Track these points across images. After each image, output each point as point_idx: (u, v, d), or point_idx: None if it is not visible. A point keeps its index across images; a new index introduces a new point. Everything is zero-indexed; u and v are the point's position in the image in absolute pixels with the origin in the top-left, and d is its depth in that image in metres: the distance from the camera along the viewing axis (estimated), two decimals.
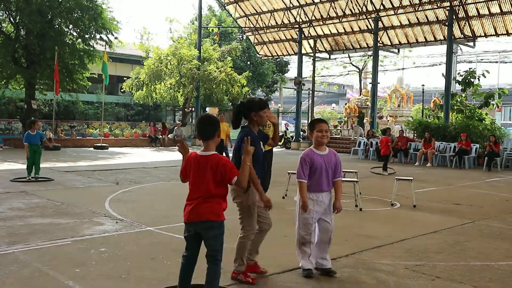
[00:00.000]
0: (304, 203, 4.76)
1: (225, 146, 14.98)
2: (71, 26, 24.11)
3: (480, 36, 24.06)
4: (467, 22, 23.67)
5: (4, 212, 7.46)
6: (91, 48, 24.45)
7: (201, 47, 30.82)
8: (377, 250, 5.97)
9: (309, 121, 5.01)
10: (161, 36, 72.38)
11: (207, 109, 36.10)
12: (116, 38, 25.22)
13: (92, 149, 23.32)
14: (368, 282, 4.65)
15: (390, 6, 25.72)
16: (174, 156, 20.25)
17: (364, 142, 22.65)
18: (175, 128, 29.20)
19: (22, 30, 23.42)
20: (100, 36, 24.45)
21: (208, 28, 36.42)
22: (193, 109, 33.50)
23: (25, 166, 11.58)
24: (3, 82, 24.05)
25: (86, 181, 11.54)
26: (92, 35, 24.22)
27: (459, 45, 26.09)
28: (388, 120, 29.06)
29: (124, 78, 33.26)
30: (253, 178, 4.33)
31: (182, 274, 3.87)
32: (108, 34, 24.63)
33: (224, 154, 14.36)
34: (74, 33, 24.44)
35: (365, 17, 26.92)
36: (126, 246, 5.74)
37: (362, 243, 6.20)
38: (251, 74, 34.20)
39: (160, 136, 27.98)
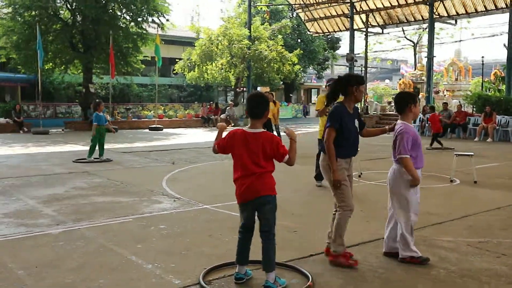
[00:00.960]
0: (418, 178, 4.39)
1: (274, 125, 14.97)
2: (124, 10, 24.64)
3: None
4: None
5: (69, 191, 7.79)
6: (144, 31, 24.90)
7: (251, 26, 30.72)
8: (438, 226, 5.82)
9: (406, 93, 4.75)
10: (211, 17, 72.53)
11: (259, 88, 36.10)
12: (167, 20, 25.55)
13: (147, 130, 23.91)
14: (430, 259, 4.54)
15: None
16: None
17: (420, 118, 22.01)
18: (227, 108, 29.42)
19: (78, 16, 24.13)
20: (152, 19, 24.84)
21: (258, 6, 36.20)
22: (244, 88, 33.60)
23: (86, 148, 11.99)
24: (62, 67, 24.96)
25: (143, 162, 11.86)
26: (145, 18, 24.63)
27: None
28: (445, 95, 28.10)
29: (176, 60, 33.75)
30: (330, 155, 4.36)
31: (240, 249, 3.93)
32: (160, 16, 24.98)
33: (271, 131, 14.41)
34: (127, 17, 24.94)
35: None
36: (184, 223, 5.87)
37: (422, 219, 6.01)
38: (302, 51, 33.86)
39: (213, 117, 28.27)
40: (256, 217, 3.89)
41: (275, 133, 14.81)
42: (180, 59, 32.96)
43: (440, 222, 6.02)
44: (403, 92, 4.79)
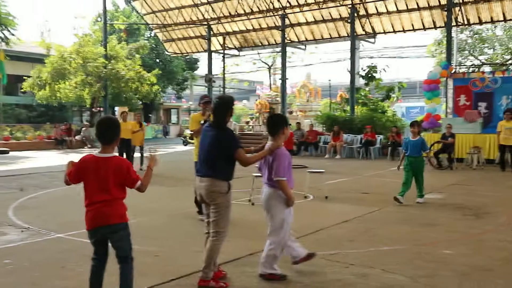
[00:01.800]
0: (293, 198, 4.57)
1: (139, 147, 14.64)
2: None
3: (380, 32, 25.39)
4: (367, 19, 24.86)
5: None
6: None
7: (107, 44, 29.78)
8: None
9: (279, 115, 5.06)
10: (64, 33, 69.02)
11: (116, 108, 35.02)
12: (13, 34, 23.73)
13: None
14: (286, 273, 4.73)
15: (296, 4, 26.41)
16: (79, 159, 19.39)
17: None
18: (83, 129, 28.02)
19: None
20: None
21: (114, 25, 35.29)
22: (101, 109, 32.32)
23: None
24: None
25: None
26: None
27: (361, 41, 27.31)
28: (298, 115, 29.84)
29: (25, 78, 31.31)
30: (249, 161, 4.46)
31: (93, 278, 3.77)
32: (4, 30, 23.10)
33: (131, 154, 14.04)
34: None
35: (272, 14, 27.44)
36: (33, 255, 5.41)
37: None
38: (160, 71, 33.63)
39: (67, 138, 26.69)
40: (108, 245, 3.76)
41: (137, 154, 14.46)
42: (29, 76, 30.68)
43: (296, 237, 6.31)
44: (275, 115, 4.94)
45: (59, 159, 19.59)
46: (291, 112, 29.54)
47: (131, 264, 3.75)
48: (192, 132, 7.58)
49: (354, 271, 4.87)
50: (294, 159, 16.04)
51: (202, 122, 6.92)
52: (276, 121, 4.69)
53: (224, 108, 4.52)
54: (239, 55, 35.06)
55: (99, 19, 35.44)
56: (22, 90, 32.27)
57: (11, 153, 21.96)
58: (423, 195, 8.93)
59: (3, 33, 23.20)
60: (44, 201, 9.34)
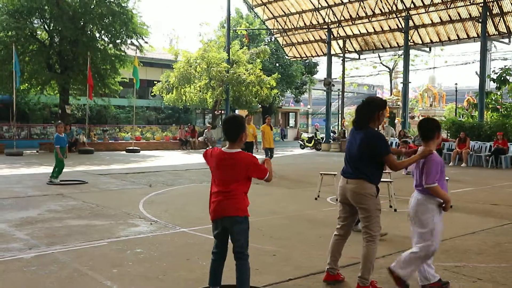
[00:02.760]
0: (449, 200, 4.36)
1: (269, 149, 14.96)
2: (102, 32, 24.61)
3: None
4: (501, 18, 23.10)
5: (43, 214, 7.62)
6: (122, 53, 24.90)
7: (230, 49, 30.94)
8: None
9: (433, 120, 4.56)
10: (190, 39, 73.00)
11: (236, 111, 36.24)
12: (146, 42, 25.61)
13: (124, 152, 23.69)
14: (408, 283, 4.55)
15: (421, 4, 25.35)
16: (203, 158, 20.34)
17: (396, 142, 22.32)
18: (205, 130, 29.39)
19: (56, 37, 24.04)
20: (131, 41, 24.88)
21: (237, 30, 36.57)
22: (222, 111, 33.67)
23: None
24: (38, 88, 24.70)
25: (119, 184, 11.71)
26: (123, 40, 24.65)
27: (493, 42, 25.44)
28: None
29: (155, 82, 33.73)
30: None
31: (213, 270, 3.92)
32: (139, 38, 25.04)
33: None
34: (106, 39, 24.93)
35: (395, 16, 26.59)
36: (161, 247, 5.78)
37: (399, 244, 6.09)
38: (280, 75, 34.19)
39: (191, 139, 28.17)
40: (228, 239, 3.89)
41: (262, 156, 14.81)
42: (158, 81, 32.94)
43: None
44: (429, 119, 4.65)
45: (183, 158, 20.77)
46: (413, 117, 28.46)
47: (247, 261, 3.81)
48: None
49: (482, 286, 4.54)
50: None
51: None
52: (430, 126, 4.44)
53: (365, 109, 4.44)
54: (359, 59, 34.49)
55: (224, 25, 36.97)
56: (152, 94, 34.78)
57: (141, 152, 23.70)
58: None
59: (137, 41, 25.11)
60: (171, 197, 9.93)
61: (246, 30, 36.90)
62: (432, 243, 4.28)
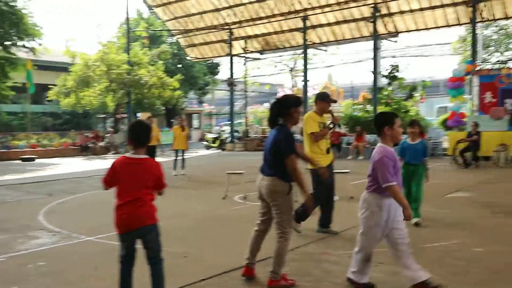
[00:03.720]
0: (408, 207, 4.05)
1: (182, 150, 14.80)
2: None
3: (402, 31, 25.15)
4: (390, 18, 24.65)
5: None
6: (13, 56, 23.36)
7: (130, 51, 30.16)
8: (321, 242, 6.10)
9: (380, 115, 4.40)
10: (88, 41, 70.20)
11: (139, 114, 35.43)
12: (40, 44, 24.23)
13: (19, 161, 22.22)
14: (316, 273, 4.74)
15: (317, 5, 26.34)
16: (107, 164, 19.67)
17: (299, 139, 23.04)
18: (108, 135, 28.44)
19: None
20: (23, 43, 23.41)
21: (136, 31, 35.70)
22: (125, 115, 32.75)
23: None
24: None
25: (16, 195, 10.99)
26: (14, 42, 23.12)
27: (383, 40, 27.10)
28: None
29: (50, 86, 31.97)
30: (300, 177, 4.33)
31: (124, 278, 3.82)
32: (31, 40, 23.62)
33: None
34: None
35: (293, 16, 27.41)
36: (66, 258, 5.52)
37: (306, 236, 6.31)
38: (182, 77, 33.90)
39: (92, 145, 27.10)
40: (137, 246, 3.82)
41: (179, 158, 14.64)
42: (54, 85, 31.29)
43: (322, 238, 6.31)
44: (379, 113, 4.49)
45: (84, 165, 19.93)
46: None
47: (161, 264, 3.82)
48: (311, 134, 6.30)
49: (383, 270, 4.84)
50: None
51: (332, 125, 6.40)
52: (377, 119, 4.35)
53: (276, 107, 4.53)
54: (260, 59, 35.13)
55: (123, 26, 35.96)
56: (48, 99, 32.97)
57: (38, 160, 22.41)
58: (419, 214, 6.92)
59: (30, 43, 23.71)
60: (73, 205, 9.51)
61: (146, 31, 36.15)
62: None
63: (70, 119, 36.39)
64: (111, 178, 3.73)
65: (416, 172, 6.85)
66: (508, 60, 31.55)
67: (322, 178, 5.90)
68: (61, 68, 34.17)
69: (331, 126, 6.42)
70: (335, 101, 6.67)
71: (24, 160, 22.24)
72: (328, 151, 6.42)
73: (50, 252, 5.80)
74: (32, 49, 23.83)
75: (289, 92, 35.10)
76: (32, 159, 22.37)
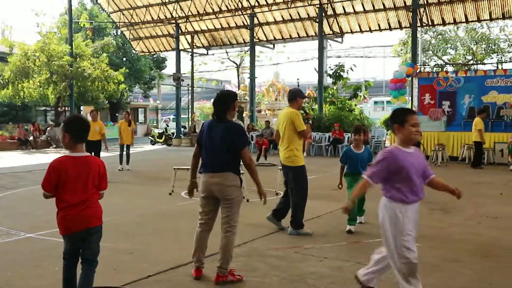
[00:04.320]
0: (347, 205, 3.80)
1: (127, 145, 14.49)
2: None
3: (347, 32, 25.72)
4: (335, 19, 25.16)
5: None
6: None
7: (73, 42, 29.21)
8: (267, 237, 6.18)
9: (395, 111, 3.86)
10: (27, 31, 67.33)
11: (82, 107, 34.42)
12: None
13: None
14: (262, 268, 4.80)
15: (265, 3, 26.50)
16: (49, 158, 19.00)
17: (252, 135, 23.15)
18: (48, 129, 27.46)
19: None
20: None
21: (79, 22, 34.62)
22: (67, 108, 31.70)
23: None
24: None
25: None
26: None
27: (329, 40, 27.63)
28: (266, 114, 29.99)
29: None
30: (255, 172, 4.46)
31: (68, 277, 3.68)
32: None
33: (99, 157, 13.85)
34: None
35: (241, 13, 27.44)
36: (4, 256, 5.32)
37: (252, 232, 6.37)
38: (127, 70, 33.18)
39: (32, 138, 26.09)
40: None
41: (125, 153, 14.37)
42: None
43: (269, 233, 6.39)
44: (395, 109, 4.01)
45: (24, 159, 19.18)
46: (259, 111, 29.69)
47: (95, 267, 3.67)
48: (303, 132, 6.22)
49: (328, 264, 4.97)
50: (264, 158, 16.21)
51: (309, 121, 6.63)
52: (390, 118, 3.91)
53: (223, 102, 4.55)
54: (207, 54, 34.97)
55: (65, 16, 34.75)
56: None
57: None
58: (360, 217, 6.87)
59: None
60: (11, 201, 9.15)
61: (90, 22, 35.13)
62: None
63: (8, 111, 34.78)
64: (53, 182, 3.46)
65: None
66: (445, 65, 33.06)
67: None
68: None
69: (309, 122, 6.55)
70: (306, 97, 6.79)
71: None
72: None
73: None
74: None
75: (235, 89, 35.24)
76: None
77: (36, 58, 27.74)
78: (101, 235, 3.68)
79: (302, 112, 6.64)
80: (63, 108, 31.71)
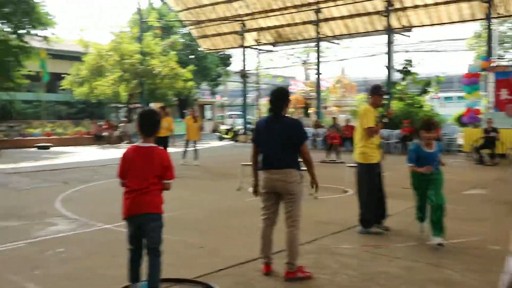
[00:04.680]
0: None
1: (194, 141, 14.89)
2: (3, 22, 23.04)
3: (416, 26, 24.91)
4: (403, 13, 24.43)
5: None
6: (27, 45, 23.49)
7: (142, 41, 30.24)
8: (337, 235, 6.11)
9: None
10: (101, 31, 70.34)
11: (151, 104, 35.51)
12: (53, 34, 24.36)
13: (34, 149, 22.43)
14: (333, 266, 4.77)
15: None
16: (121, 153, 19.80)
17: (312, 132, 23.00)
18: (121, 125, 28.59)
19: None
20: (36, 33, 23.52)
21: (149, 22, 35.74)
22: (138, 105, 32.86)
23: None
24: None
25: (31, 182, 11.11)
26: (27, 31, 23.25)
27: (396, 34, 26.88)
28: (333, 110, 29.67)
29: (63, 75, 32.14)
30: (313, 167, 4.54)
31: (132, 267, 3.86)
32: (44, 29, 23.72)
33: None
34: (7, 29, 23.36)
35: (306, 9, 27.27)
36: (84, 245, 5.60)
37: (322, 229, 6.33)
38: (195, 68, 33.92)
39: (106, 133, 27.27)
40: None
41: (191, 148, 14.76)
42: (68, 74, 31.45)
43: (338, 231, 6.33)
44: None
45: (98, 154, 20.08)
46: (326, 107, 29.41)
47: (160, 257, 3.80)
48: (368, 129, 6.01)
49: (399, 264, 4.85)
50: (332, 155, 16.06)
51: (385, 119, 6.33)
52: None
53: (281, 98, 4.57)
54: (273, 51, 35.04)
55: (134, 16, 36.00)
56: (61, 88, 33.14)
57: (53, 149, 22.60)
58: (441, 232, 5.57)
59: (43, 32, 23.81)
60: (89, 193, 9.60)
61: (158, 21, 36.16)
62: None
63: (84, 108, 36.57)
64: (123, 169, 3.79)
65: (436, 180, 5.67)
66: None
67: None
68: (74, 57, 34.28)
69: (386, 120, 6.37)
70: (388, 93, 6.52)
71: (39, 148, 22.45)
72: (379, 147, 6.28)
73: (69, 239, 5.88)
74: (45, 38, 23.93)
75: (301, 85, 35.09)
76: (47, 147, 22.57)
77: (109, 57, 28.95)
78: (162, 224, 3.81)
79: (381, 109, 6.44)
80: (134, 105, 32.89)
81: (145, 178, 3.70)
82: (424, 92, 23.89)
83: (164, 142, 13.22)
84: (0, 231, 6.24)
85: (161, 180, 3.79)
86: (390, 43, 23.93)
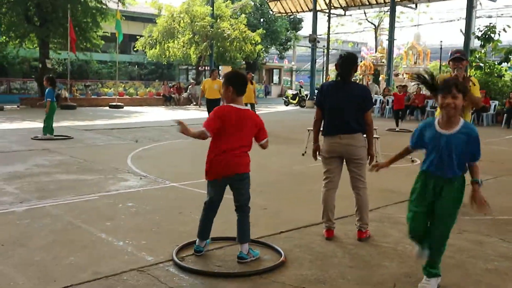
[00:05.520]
0: None
1: (251, 104, 14.96)
2: None
3: None
4: None
5: (30, 169, 7.57)
6: (103, 6, 24.21)
7: (214, 4, 30.33)
8: (401, 204, 5.97)
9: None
10: None
11: (220, 67, 35.85)
12: None
13: (107, 108, 23.42)
14: (395, 235, 4.70)
15: None
16: (190, 114, 20.29)
17: (380, 100, 22.44)
18: (189, 87, 29.14)
19: None
20: None
21: None
22: (207, 67, 33.31)
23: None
24: (17, 41, 24.00)
25: (105, 139, 11.65)
26: None
27: None
28: (404, 78, 28.68)
29: (137, 37, 33.02)
30: (373, 134, 4.64)
31: (206, 224, 4.04)
32: None
33: None
34: None
35: None
36: (152, 201, 5.82)
37: (386, 198, 6.23)
38: (264, 31, 33.73)
39: (175, 95, 27.94)
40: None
41: None
42: (141, 36, 32.26)
43: (403, 200, 6.18)
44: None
45: (167, 114, 20.65)
46: (397, 75, 28.50)
47: (248, 213, 3.96)
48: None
49: (468, 238, 4.70)
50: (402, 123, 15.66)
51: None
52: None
53: (350, 63, 4.52)
54: (344, 15, 34.12)
55: None
56: (134, 49, 34.12)
57: (125, 108, 23.48)
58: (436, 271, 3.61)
59: None
60: (158, 152, 9.93)
61: None
62: None
63: (154, 70, 37.55)
64: (217, 126, 3.71)
65: (449, 191, 3.69)
66: None
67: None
68: (147, 19, 35.09)
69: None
70: (460, 58, 5.58)
71: (112, 107, 23.40)
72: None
73: (138, 194, 6.14)
74: (121, 0, 24.57)
75: (372, 51, 34.09)
76: (120, 107, 23.47)
77: (180, 19, 29.34)
78: (249, 182, 3.94)
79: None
80: (204, 67, 33.33)
81: (240, 140, 3.79)
82: (506, 60, 22.49)
83: (217, 105, 13.35)
84: (76, 184, 6.60)
85: (252, 141, 3.90)
86: (471, 7, 22.61)
